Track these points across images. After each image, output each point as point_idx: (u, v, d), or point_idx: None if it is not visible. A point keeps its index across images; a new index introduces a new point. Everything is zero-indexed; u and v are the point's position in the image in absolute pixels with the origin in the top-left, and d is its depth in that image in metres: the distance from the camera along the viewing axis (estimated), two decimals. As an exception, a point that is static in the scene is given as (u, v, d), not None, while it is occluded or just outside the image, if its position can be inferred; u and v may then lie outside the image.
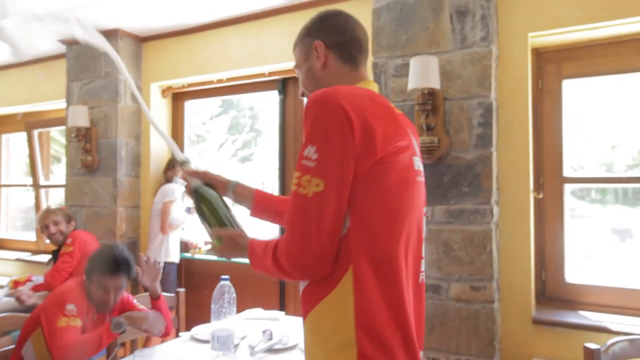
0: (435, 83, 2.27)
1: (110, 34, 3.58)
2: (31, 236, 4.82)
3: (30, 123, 4.68)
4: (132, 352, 2.05)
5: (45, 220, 3.02)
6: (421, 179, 1.14)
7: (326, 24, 1.22)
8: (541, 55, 2.50)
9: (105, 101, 3.65)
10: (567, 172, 2.43)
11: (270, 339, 2.00)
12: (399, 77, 2.46)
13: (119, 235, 3.59)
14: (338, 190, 0.99)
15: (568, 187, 2.44)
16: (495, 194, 2.30)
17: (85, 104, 3.71)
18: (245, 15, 3.24)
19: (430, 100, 2.30)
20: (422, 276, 1.14)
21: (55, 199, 4.61)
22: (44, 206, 4.60)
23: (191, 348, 1.98)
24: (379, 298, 1.00)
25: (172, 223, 3.47)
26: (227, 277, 2.11)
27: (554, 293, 2.40)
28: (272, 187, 3.99)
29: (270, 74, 3.32)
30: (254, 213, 1.41)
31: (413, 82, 2.27)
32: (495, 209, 2.29)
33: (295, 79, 3.30)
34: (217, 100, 5.20)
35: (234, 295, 2.11)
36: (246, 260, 1.15)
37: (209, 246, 3.60)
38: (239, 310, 2.38)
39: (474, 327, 2.26)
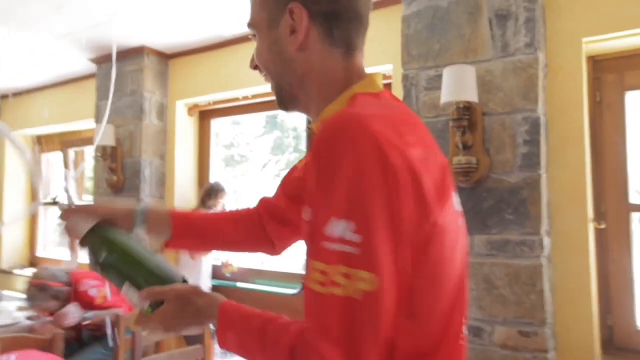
0: (472, 95, 1.94)
1: (136, 52, 3.45)
2: (66, 254, 4.75)
3: (65, 142, 4.65)
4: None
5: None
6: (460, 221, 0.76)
7: None
8: (598, 64, 2.13)
9: (131, 119, 3.51)
10: (633, 197, 2.04)
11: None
12: (431, 90, 2.15)
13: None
14: (395, 285, 0.62)
15: (635, 216, 2.04)
16: (546, 223, 1.93)
17: (112, 122, 3.59)
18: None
19: (466, 115, 1.98)
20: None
21: (87, 217, 4.53)
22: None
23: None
24: None
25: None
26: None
27: (623, 342, 1.99)
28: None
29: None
30: (174, 241, 0.99)
31: (446, 94, 1.96)
32: (546, 241, 1.93)
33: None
34: (260, 120, 5.04)
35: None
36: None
37: (237, 264, 3.35)
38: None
39: (522, 380, 1.89)
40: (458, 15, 2.12)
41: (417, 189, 0.63)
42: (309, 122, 0.87)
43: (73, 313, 2.61)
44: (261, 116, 3.83)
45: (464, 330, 0.74)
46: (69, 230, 0.89)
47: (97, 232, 0.85)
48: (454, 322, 0.71)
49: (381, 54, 2.56)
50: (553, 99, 2.03)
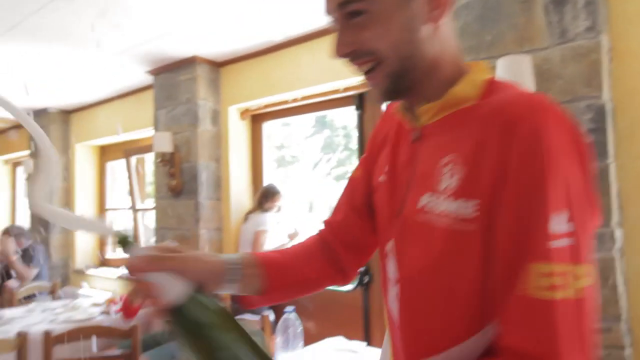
0: (529, 85, 1.86)
1: (188, 62, 3.56)
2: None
3: (128, 150, 4.87)
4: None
5: None
6: None
7: None
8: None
9: (187, 126, 3.63)
10: None
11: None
12: (485, 82, 2.07)
13: (202, 258, 3.51)
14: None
15: None
16: (617, 215, 1.82)
17: (169, 130, 3.72)
18: (315, 31, 3.03)
19: (524, 106, 1.89)
20: None
21: (150, 221, 4.72)
22: (140, 228, 4.73)
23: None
24: None
25: (262, 251, 3.25)
26: (292, 308, 1.86)
27: None
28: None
29: (345, 89, 3.07)
30: (269, 295, 0.80)
31: (503, 86, 1.88)
32: (618, 233, 1.81)
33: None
34: (310, 121, 5.08)
35: (300, 329, 1.86)
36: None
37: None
38: (322, 337, 2.17)
39: (594, 379, 1.79)
40: (510, 4, 2.03)
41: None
42: (405, 108, 0.74)
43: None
44: (310, 117, 3.83)
45: None
46: (148, 290, 0.62)
47: (191, 304, 0.62)
48: None
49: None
50: (620, 84, 1.90)
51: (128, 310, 2.92)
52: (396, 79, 0.68)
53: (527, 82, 1.85)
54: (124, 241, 0.65)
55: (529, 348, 0.54)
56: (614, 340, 1.75)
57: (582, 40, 1.87)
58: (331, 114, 4.21)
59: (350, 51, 0.68)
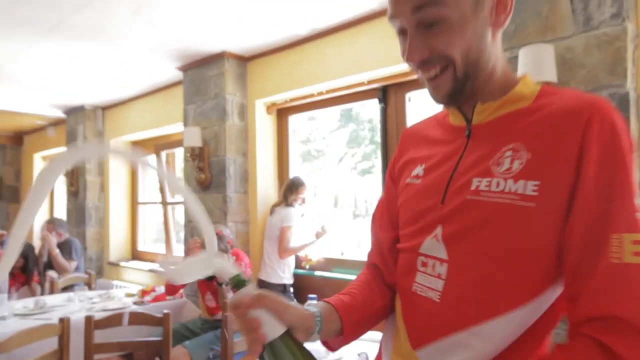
0: (550, 75, 1.85)
1: (217, 57, 3.64)
2: (162, 248, 5.13)
3: (158, 145, 5.01)
4: None
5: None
6: None
7: None
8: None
9: (215, 121, 3.72)
10: None
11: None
12: (508, 72, 2.07)
13: (251, 249, 3.60)
14: None
15: None
16: (640, 204, 1.80)
17: (198, 124, 3.82)
18: (340, 24, 3.06)
19: (547, 95, 1.89)
20: None
21: (180, 215, 4.85)
22: (170, 221, 4.87)
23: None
24: None
25: (288, 248, 3.31)
26: (314, 296, 1.91)
27: None
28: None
29: (369, 82, 3.09)
30: (347, 336, 0.83)
31: (525, 76, 1.88)
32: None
33: (396, 85, 3.04)
34: (335, 115, 5.10)
35: None
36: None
37: (317, 258, 3.43)
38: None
39: None
40: (534, -8, 2.02)
41: None
42: (458, 108, 0.79)
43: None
44: (336, 110, 3.86)
45: None
46: (251, 324, 0.68)
47: (287, 339, 0.69)
48: None
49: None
50: (645, 73, 1.88)
51: (171, 288, 3.13)
52: (462, 83, 0.72)
53: (548, 72, 1.85)
54: (239, 282, 0.70)
55: (630, 312, 0.57)
56: None
57: (606, 28, 1.85)
58: (356, 107, 4.23)
59: (424, 58, 0.70)
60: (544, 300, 0.66)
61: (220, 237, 2.93)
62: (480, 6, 0.68)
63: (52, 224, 4.18)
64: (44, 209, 7.12)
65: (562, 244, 0.64)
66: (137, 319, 2.57)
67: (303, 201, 3.44)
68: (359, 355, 1.86)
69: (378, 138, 3.17)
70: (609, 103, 0.66)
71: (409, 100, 3.01)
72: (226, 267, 0.71)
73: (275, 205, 3.49)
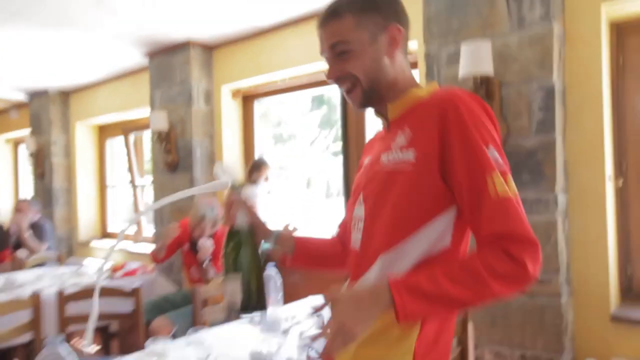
0: (487, 69, 2.03)
1: (182, 46, 3.67)
2: (132, 229, 5.15)
3: (126, 128, 4.99)
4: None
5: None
6: None
7: (400, 9, 0.97)
8: (622, 29, 2.16)
9: (181, 106, 3.76)
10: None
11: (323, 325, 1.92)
12: (452, 65, 2.24)
13: (199, 228, 3.69)
14: None
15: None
16: (562, 182, 2.02)
17: (165, 109, 3.86)
18: (301, 16, 3.16)
19: (483, 86, 2.07)
20: None
21: (148, 196, 4.88)
22: (140, 202, 4.89)
23: (245, 331, 1.96)
24: None
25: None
26: (273, 263, 2.04)
27: None
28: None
29: (329, 70, 3.22)
30: (294, 260, 1.14)
31: (464, 69, 2.05)
32: (562, 198, 2.02)
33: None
34: (307, 98, 5.16)
35: (279, 282, 2.05)
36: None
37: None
38: (306, 295, 2.36)
39: (539, 322, 2.01)
40: (476, -7, 2.19)
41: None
42: (377, 111, 1.02)
43: (207, 248, 3.00)
44: (307, 94, 3.96)
45: None
46: (229, 212, 1.05)
47: (246, 230, 1.04)
48: None
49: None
50: (571, 68, 2.08)
51: (156, 259, 3.17)
52: (367, 94, 0.95)
53: (486, 65, 2.03)
54: (235, 186, 1.06)
55: (515, 229, 0.80)
56: (553, 290, 1.97)
57: (537, 27, 2.04)
58: (327, 91, 4.32)
59: (337, 77, 0.95)
60: (440, 222, 0.88)
61: (212, 208, 3.10)
62: (376, 42, 0.93)
63: (26, 202, 4.12)
64: (9, 192, 6.95)
65: (444, 187, 0.87)
66: (108, 292, 2.64)
67: (267, 179, 3.56)
68: (317, 317, 2.01)
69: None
70: (465, 92, 0.89)
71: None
72: (235, 173, 1.09)
73: None
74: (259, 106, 3.95)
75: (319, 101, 6.36)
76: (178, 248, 3.14)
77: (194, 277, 3.14)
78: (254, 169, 3.55)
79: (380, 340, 0.89)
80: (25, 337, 2.57)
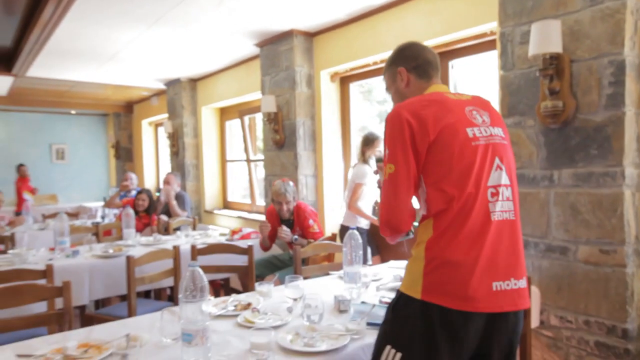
0: (556, 47, 2.14)
1: (287, 35, 4.14)
2: (247, 199, 5.91)
3: (241, 111, 5.70)
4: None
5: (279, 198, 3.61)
6: (480, 142, 1.33)
7: (404, 54, 1.52)
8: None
9: (287, 90, 4.26)
10: None
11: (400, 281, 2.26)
12: (525, 44, 2.36)
13: (301, 198, 4.21)
14: (406, 168, 1.31)
15: None
16: (632, 156, 2.08)
17: (273, 93, 4.39)
18: (390, 2, 3.41)
19: (552, 64, 2.17)
20: (499, 216, 1.30)
21: (260, 170, 5.55)
22: (254, 176, 5.59)
23: (333, 282, 2.39)
24: (446, 232, 1.28)
25: (355, 205, 3.65)
26: (354, 227, 2.41)
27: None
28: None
29: (416, 51, 3.43)
30: None
31: (533, 48, 2.18)
32: (630, 171, 2.08)
33: (440, 54, 3.35)
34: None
35: (360, 241, 2.38)
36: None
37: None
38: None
39: (603, 290, 2.13)
40: (550, -28, 2.27)
41: (420, 122, 1.30)
42: None
43: (286, 232, 3.53)
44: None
45: (495, 215, 1.30)
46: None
47: None
48: (465, 189, 1.28)
49: (486, 14, 2.78)
50: (649, 40, 2.09)
51: (264, 247, 3.75)
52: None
53: (555, 44, 2.14)
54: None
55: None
56: (618, 261, 2.06)
57: (609, 2, 2.08)
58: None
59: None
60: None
61: (290, 188, 3.55)
62: (395, 81, 1.54)
63: (173, 176, 5.07)
64: (152, 167, 8.26)
65: None
66: (228, 249, 3.27)
67: (379, 155, 3.82)
68: (394, 276, 2.36)
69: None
70: (400, 106, 1.35)
71: (452, 67, 3.32)
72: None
73: (356, 163, 3.82)
74: (363, 86, 4.28)
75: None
76: (276, 233, 3.61)
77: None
78: (366, 144, 3.69)
79: (413, 255, 1.37)
80: (169, 281, 3.33)
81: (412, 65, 1.49)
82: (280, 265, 3.67)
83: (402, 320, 1.31)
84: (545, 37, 2.15)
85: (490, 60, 3.05)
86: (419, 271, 1.29)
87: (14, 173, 7.84)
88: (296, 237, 3.56)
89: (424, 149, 1.29)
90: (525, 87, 2.39)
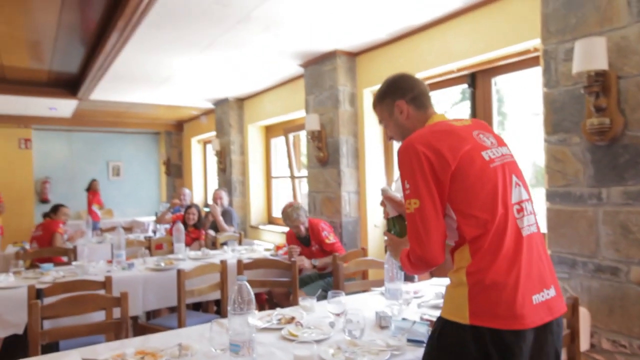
0: (601, 64, 2.11)
1: (330, 55, 4.26)
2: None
3: (286, 129, 5.86)
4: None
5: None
6: (496, 163, 1.36)
7: (399, 86, 1.54)
8: None
9: (330, 108, 4.37)
10: None
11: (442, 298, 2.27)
12: (569, 62, 2.34)
13: (344, 214, 4.27)
14: (431, 201, 1.31)
15: None
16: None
17: (317, 111, 4.51)
18: (431, 22, 3.46)
19: (598, 81, 2.15)
20: (527, 230, 1.33)
21: (304, 186, 5.65)
22: (297, 192, 5.71)
23: (374, 298, 2.42)
24: (485, 256, 1.29)
25: None
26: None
27: None
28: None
29: (458, 69, 3.45)
30: None
31: (577, 65, 2.16)
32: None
33: (483, 72, 3.37)
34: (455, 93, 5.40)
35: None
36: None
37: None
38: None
39: (659, 314, 2.05)
40: (594, -12, 2.25)
41: (437, 154, 1.31)
42: None
43: (302, 260, 3.77)
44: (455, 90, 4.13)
45: (525, 230, 1.33)
46: (388, 205, 1.68)
47: (396, 219, 1.64)
48: (496, 211, 1.30)
49: (528, 31, 2.78)
50: None
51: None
52: (400, 139, 1.56)
53: (600, 61, 2.11)
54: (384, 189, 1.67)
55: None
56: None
57: (658, 18, 2.05)
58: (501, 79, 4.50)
59: (388, 136, 1.63)
60: None
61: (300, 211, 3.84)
62: (393, 114, 1.55)
63: (220, 192, 5.32)
64: (200, 183, 8.57)
65: None
66: (272, 264, 3.37)
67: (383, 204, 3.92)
68: (436, 294, 2.36)
69: (505, 109, 3.45)
70: (412, 139, 1.36)
71: (495, 84, 3.31)
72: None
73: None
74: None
75: (468, 92, 6.44)
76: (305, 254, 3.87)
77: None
78: None
79: (453, 281, 1.38)
80: (216, 294, 3.46)
81: (410, 97, 1.51)
82: (308, 280, 3.80)
83: (450, 347, 1.31)
84: (590, 54, 2.13)
85: (533, 77, 3.03)
86: (464, 296, 1.29)
87: (76, 188, 8.38)
88: (315, 261, 3.79)
89: (446, 179, 1.31)
90: (570, 104, 2.36)
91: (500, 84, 3.30)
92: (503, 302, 1.25)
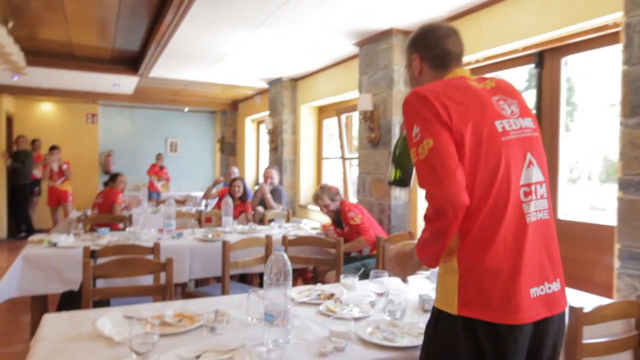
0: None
1: (386, 34, 4.10)
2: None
3: (339, 109, 5.77)
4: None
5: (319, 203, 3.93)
6: (510, 137, 1.20)
7: (422, 40, 1.40)
8: None
9: (384, 88, 4.23)
10: None
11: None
12: (653, 35, 2.09)
13: (393, 197, 4.15)
14: (446, 137, 1.16)
15: None
16: None
17: (370, 91, 4.38)
18: (488, 2, 3.22)
19: (687, 57, 1.90)
20: (534, 217, 1.19)
21: (355, 168, 5.57)
22: (348, 174, 5.63)
23: (419, 282, 2.32)
24: (480, 239, 1.17)
25: None
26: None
27: None
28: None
29: (524, 48, 3.21)
30: None
31: (663, 39, 1.92)
32: None
33: (552, 50, 3.11)
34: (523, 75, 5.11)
35: None
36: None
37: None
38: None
39: None
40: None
41: (444, 109, 1.18)
42: None
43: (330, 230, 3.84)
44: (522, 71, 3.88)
45: (529, 216, 1.18)
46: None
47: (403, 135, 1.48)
48: (491, 191, 1.16)
49: (607, 3, 2.51)
50: None
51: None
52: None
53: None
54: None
55: (421, 184, 1.19)
56: None
57: None
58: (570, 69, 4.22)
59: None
60: None
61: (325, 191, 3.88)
62: (409, 65, 1.44)
63: (271, 171, 5.40)
64: (253, 161, 8.69)
65: None
66: (317, 242, 3.33)
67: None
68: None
69: (576, 99, 3.18)
70: (420, 88, 1.23)
71: (565, 64, 3.04)
72: None
73: None
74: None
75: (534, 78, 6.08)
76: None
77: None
78: None
79: (444, 268, 1.25)
80: (260, 268, 3.48)
81: (428, 55, 1.36)
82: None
83: (444, 338, 1.21)
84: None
85: (609, 56, 2.75)
86: (454, 284, 1.18)
87: (137, 161, 8.77)
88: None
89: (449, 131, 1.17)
90: (652, 84, 2.12)
91: (571, 69, 3.02)
92: (497, 292, 1.13)
